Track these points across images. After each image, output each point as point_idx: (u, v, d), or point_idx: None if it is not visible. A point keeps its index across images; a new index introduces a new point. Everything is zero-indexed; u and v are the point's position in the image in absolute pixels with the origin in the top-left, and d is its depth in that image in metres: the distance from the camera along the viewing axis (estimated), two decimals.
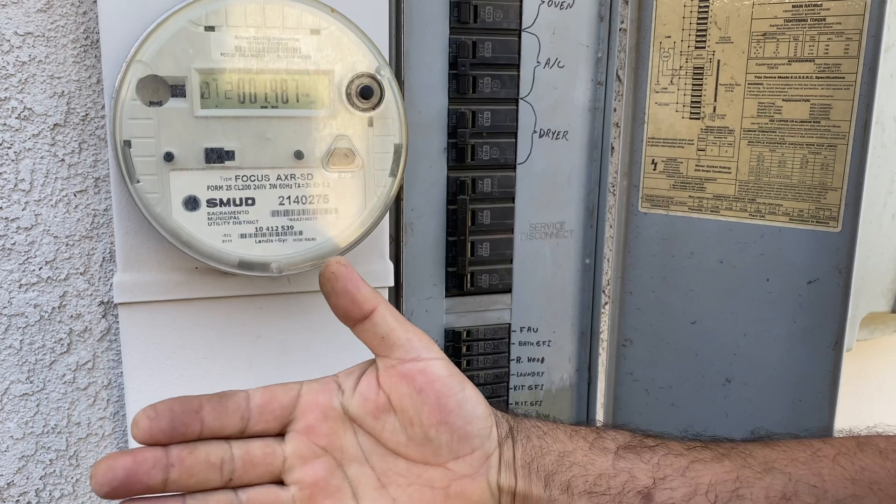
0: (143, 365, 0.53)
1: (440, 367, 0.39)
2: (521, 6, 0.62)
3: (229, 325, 0.54)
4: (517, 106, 0.63)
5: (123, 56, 0.44)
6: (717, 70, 0.62)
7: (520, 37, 0.62)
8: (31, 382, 0.61)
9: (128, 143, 0.43)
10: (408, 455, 0.39)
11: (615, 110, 0.65)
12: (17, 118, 0.56)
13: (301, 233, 0.47)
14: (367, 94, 0.45)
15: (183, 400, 0.37)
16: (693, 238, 0.65)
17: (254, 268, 0.47)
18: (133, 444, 0.38)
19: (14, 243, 0.58)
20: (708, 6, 0.62)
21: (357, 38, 0.46)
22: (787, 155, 0.59)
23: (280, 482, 0.39)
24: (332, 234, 0.48)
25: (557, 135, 0.65)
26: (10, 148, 0.56)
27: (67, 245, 0.60)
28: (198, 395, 0.38)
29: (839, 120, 0.57)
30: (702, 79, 0.63)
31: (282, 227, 0.47)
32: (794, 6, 0.58)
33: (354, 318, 0.39)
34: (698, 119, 0.63)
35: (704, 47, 0.62)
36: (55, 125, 0.57)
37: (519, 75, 0.63)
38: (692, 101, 0.63)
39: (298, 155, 0.46)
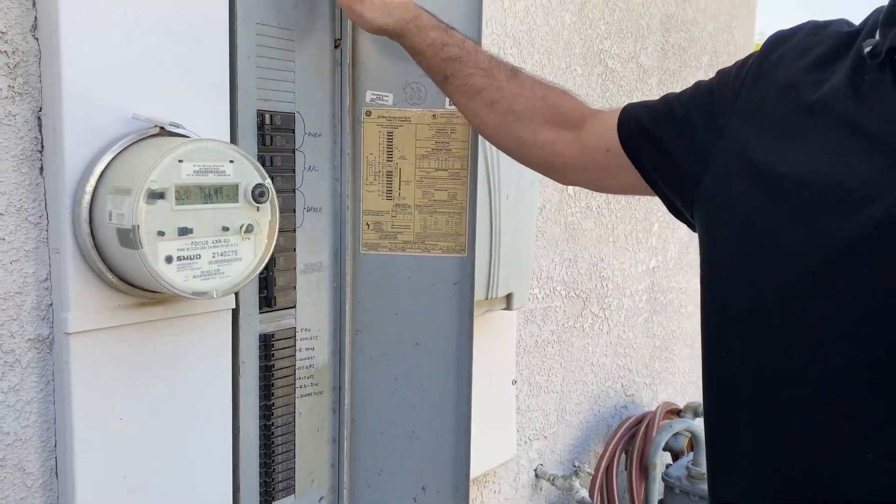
0: (92, 377, 0.82)
1: None
2: (294, 135, 1.05)
3: (152, 338, 0.86)
4: (294, 193, 1.06)
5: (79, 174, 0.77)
6: (400, 173, 1.13)
7: (294, 153, 1.05)
8: None
9: (136, 227, 0.76)
10: None
11: (348, 195, 1.12)
12: None
13: (224, 273, 0.84)
14: (262, 195, 0.85)
15: None
16: (392, 265, 1.15)
17: (203, 295, 0.82)
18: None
19: None
20: (392, 139, 1.13)
21: (251, 164, 0.85)
22: (440, 218, 1.13)
23: None
24: (240, 273, 0.85)
25: (317, 210, 1.09)
26: None
27: (3, 299, 0.83)
28: None
29: (461, 200, 1.13)
30: (391, 177, 1.13)
31: (215, 270, 0.83)
32: (436, 143, 1.12)
33: None
34: (391, 199, 1.14)
35: (392, 160, 1.13)
36: (0, 214, 0.82)
37: (294, 175, 1.05)
38: (387, 190, 1.14)
39: (225, 229, 0.83)
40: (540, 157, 0.97)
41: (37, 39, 0.82)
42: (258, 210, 0.86)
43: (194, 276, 0.81)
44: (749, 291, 0.62)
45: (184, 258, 0.80)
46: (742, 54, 2.47)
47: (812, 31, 0.69)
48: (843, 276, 0.55)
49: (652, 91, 2.00)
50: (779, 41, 0.70)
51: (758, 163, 0.63)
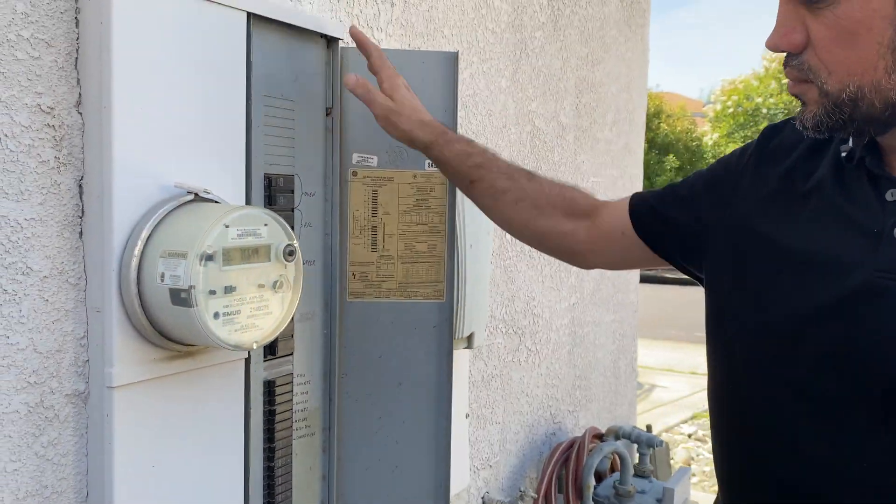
0: (131, 427, 0.88)
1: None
2: (293, 195, 1.14)
3: (186, 386, 0.92)
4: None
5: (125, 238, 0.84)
6: (384, 227, 1.25)
7: (293, 211, 1.15)
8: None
9: (192, 287, 0.83)
10: None
11: (349, 250, 1.22)
12: (21, 274, 0.85)
13: (259, 326, 0.92)
14: (291, 254, 0.94)
15: None
16: (376, 311, 1.26)
17: (242, 346, 0.90)
18: None
19: (13, 361, 0.85)
20: (377, 196, 1.24)
21: (281, 227, 0.94)
22: (420, 268, 1.25)
23: None
24: (272, 325, 0.94)
25: (311, 263, 1.18)
26: (15, 295, 0.84)
27: (45, 357, 0.88)
28: None
29: (440, 251, 1.26)
30: (376, 231, 1.25)
31: (250, 324, 0.91)
32: (417, 199, 1.25)
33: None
34: (376, 252, 1.25)
35: (377, 215, 1.24)
36: (44, 277, 0.87)
37: (293, 230, 1.14)
38: (372, 242, 1.25)
39: (260, 286, 0.92)
40: (563, 246, 1.11)
41: (80, 114, 0.88)
42: (285, 267, 0.95)
43: (235, 330, 0.89)
44: (757, 337, 0.79)
45: (228, 314, 0.88)
46: (639, 110, 2.77)
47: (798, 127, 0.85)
48: (835, 324, 0.72)
49: (569, 146, 2.21)
50: (771, 134, 0.88)
51: (765, 235, 0.80)
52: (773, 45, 0.73)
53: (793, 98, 0.78)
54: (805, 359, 0.73)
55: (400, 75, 1.12)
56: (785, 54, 0.74)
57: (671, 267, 1.00)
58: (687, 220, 0.92)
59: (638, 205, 1.01)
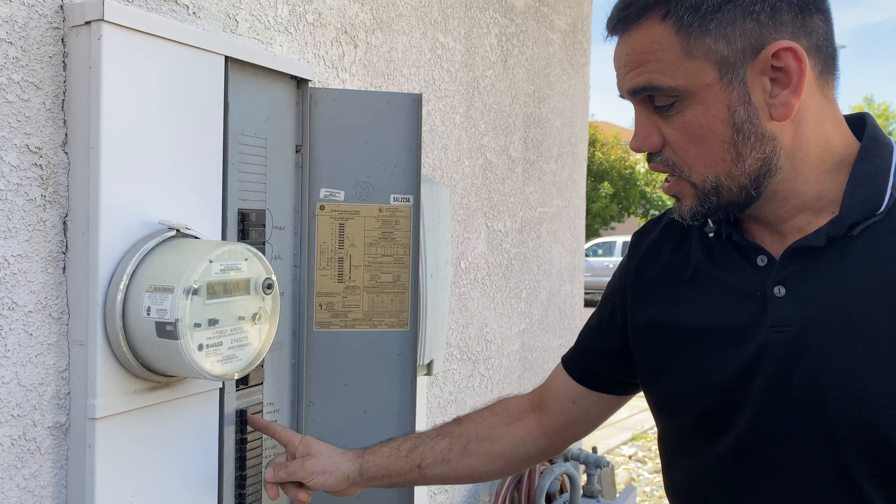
0: (113, 458, 0.90)
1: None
2: (264, 229, 1.19)
3: (170, 416, 0.95)
4: None
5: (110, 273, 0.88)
6: (350, 259, 1.30)
7: (264, 244, 1.19)
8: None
9: (177, 321, 0.87)
10: None
11: (316, 281, 1.26)
12: (7, 309, 0.87)
13: (239, 357, 0.96)
14: (270, 287, 0.99)
15: None
16: (342, 341, 1.30)
17: (224, 377, 0.93)
18: None
19: None
20: (344, 229, 1.30)
21: (260, 261, 0.99)
22: (385, 298, 1.31)
23: None
24: (251, 355, 0.98)
25: (281, 294, 1.22)
26: (1, 330, 0.87)
27: (28, 390, 0.90)
28: None
29: (404, 281, 1.31)
30: (342, 263, 1.30)
31: (231, 355, 0.95)
32: (382, 232, 1.31)
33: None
34: (342, 282, 1.30)
35: (343, 247, 1.30)
36: (29, 312, 0.89)
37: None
38: (339, 274, 1.30)
39: (240, 318, 0.96)
40: (531, 451, 1.11)
41: (66, 153, 0.91)
42: (264, 300, 1.00)
43: (218, 361, 0.93)
44: (691, 413, 0.88)
45: (211, 345, 0.92)
46: (581, 143, 2.90)
47: (660, 225, 0.97)
48: (742, 385, 0.82)
49: (518, 178, 2.31)
50: (640, 240, 1.00)
51: (669, 324, 0.89)
52: (635, 148, 0.84)
53: None
54: (736, 419, 0.83)
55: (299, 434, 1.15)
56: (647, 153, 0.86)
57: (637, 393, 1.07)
58: (613, 345, 1.01)
59: (572, 363, 1.08)
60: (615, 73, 0.84)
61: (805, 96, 0.77)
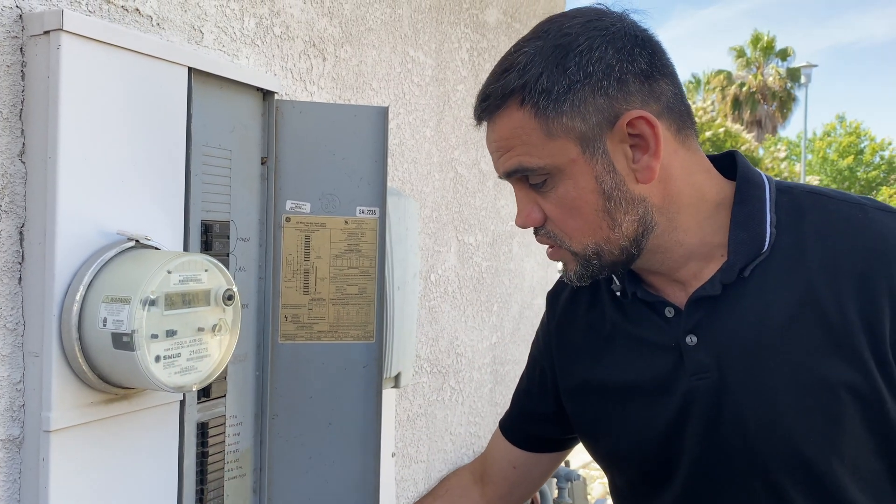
0: (67, 471, 0.89)
1: None
2: (228, 240, 1.18)
3: (125, 429, 0.94)
4: None
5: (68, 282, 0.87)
6: (316, 271, 1.30)
7: (228, 256, 1.18)
8: None
9: (134, 332, 0.86)
10: None
11: (282, 293, 1.26)
12: None
13: (198, 368, 0.95)
14: (230, 298, 0.98)
15: None
16: (307, 353, 1.30)
17: (182, 389, 0.93)
18: None
19: None
20: (309, 241, 1.30)
21: (220, 272, 0.98)
22: (351, 310, 1.31)
23: None
24: (210, 367, 0.97)
25: (245, 306, 1.22)
26: None
27: None
28: None
29: (370, 293, 1.31)
30: (308, 275, 1.29)
31: (190, 367, 0.94)
32: (348, 244, 1.31)
33: None
34: (308, 294, 1.29)
35: (309, 259, 1.29)
36: None
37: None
38: (304, 285, 1.29)
39: (200, 329, 0.95)
40: None
41: (24, 163, 0.91)
42: (224, 311, 0.99)
43: (175, 373, 0.92)
44: (629, 469, 0.91)
45: (168, 357, 0.91)
46: None
47: (569, 285, 0.99)
48: (677, 434, 0.85)
49: (490, 192, 2.32)
50: (554, 300, 1.03)
51: (596, 383, 0.93)
52: (521, 224, 0.89)
53: None
54: (679, 466, 0.85)
55: None
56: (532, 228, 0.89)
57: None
58: (548, 407, 1.04)
59: (510, 429, 1.11)
60: (490, 156, 0.89)
61: (667, 155, 0.81)
